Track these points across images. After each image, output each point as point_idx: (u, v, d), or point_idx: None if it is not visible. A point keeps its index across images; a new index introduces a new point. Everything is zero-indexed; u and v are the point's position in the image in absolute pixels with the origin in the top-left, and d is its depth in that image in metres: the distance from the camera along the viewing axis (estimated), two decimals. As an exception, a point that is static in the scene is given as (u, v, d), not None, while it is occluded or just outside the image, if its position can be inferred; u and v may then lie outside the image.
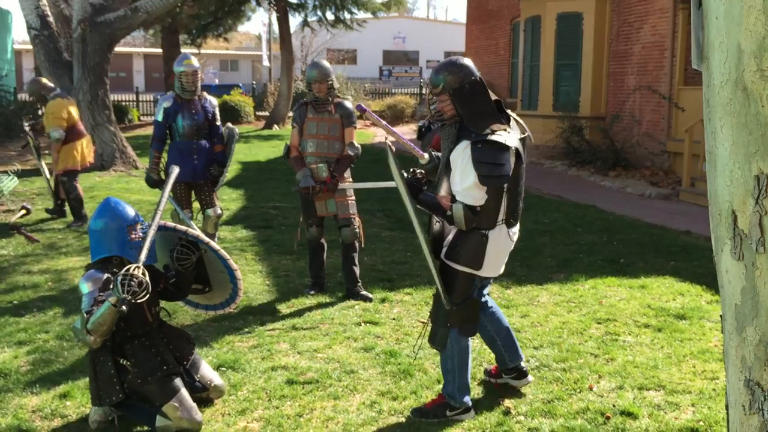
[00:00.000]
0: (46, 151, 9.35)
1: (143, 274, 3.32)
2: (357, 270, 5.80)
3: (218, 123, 6.44)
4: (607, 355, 4.57)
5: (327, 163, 5.59)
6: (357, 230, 5.76)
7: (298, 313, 5.40)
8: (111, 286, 3.36)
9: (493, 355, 4.20)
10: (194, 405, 3.57)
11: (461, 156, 3.45)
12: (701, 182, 10.74)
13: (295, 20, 26.89)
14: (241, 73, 51.76)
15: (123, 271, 3.30)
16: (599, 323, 5.18)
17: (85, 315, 3.38)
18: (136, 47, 51.97)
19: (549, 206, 10.00)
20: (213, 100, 6.39)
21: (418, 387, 4.08)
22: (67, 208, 8.89)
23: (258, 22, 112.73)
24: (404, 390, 4.04)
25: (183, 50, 26.23)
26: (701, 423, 3.63)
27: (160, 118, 6.21)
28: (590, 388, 4.06)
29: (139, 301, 3.30)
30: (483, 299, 3.97)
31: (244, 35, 64.53)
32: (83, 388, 4.06)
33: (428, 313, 3.94)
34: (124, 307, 3.24)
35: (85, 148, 8.64)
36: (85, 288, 3.48)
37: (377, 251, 7.35)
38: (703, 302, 5.65)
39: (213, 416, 3.74)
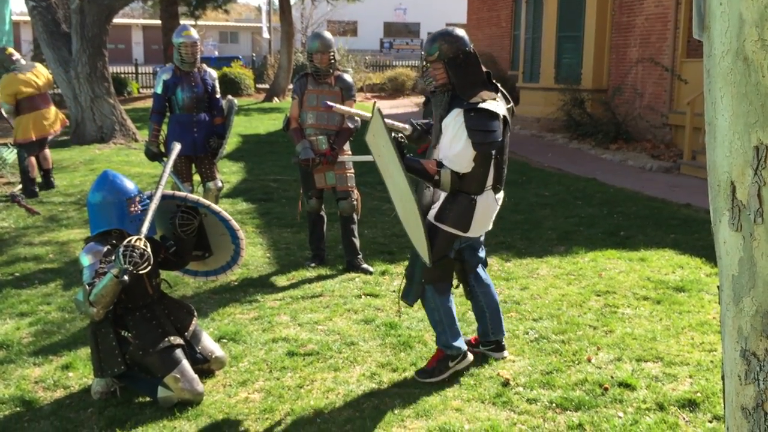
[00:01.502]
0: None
1: (145, 245, 3.34)
2: (357, 242, 5.83)
3: (218, 95, 6.41)
4: (605, 327, 4.59)
5: (326, 136, 5.58)
6: (355, 203, 5.77)
7: (299, 286, 5.42)
8: (113, 258, 3.38)
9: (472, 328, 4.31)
10: (195, 376, 3.60)
11: (453, 123, 3.59)
12: (702, 155, 10.71)
13: (295, -9, 26.59)
14: (241, 45, 51.39)
15: (125, 243, 3.31)
16: (598, 296, 5.20)
17: (87, 287, 3.39)
18: (135, 19, 51.55)
19: (549, 179, 9.99)
20: (213, 73, 6.35)
21: (417, 359, 4.10)
22: (54, 181, 9.07)
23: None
24: (404, 362, 4.07)
25: (182, 22, 26.00)
26: (699, 394, 3.66)
27: (159, 90, 6.17)
28: (589, 360, 4.09)
29: (140, 272, 3.32)
30: (480, 272, 4.09)
31: (243, 6, 63.96)
32: (85, 359, 4.09)
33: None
34: (125, 278, 3.26)
35: (44, 119, 8.65)
36: (86, 260, 3.49)
37: (377, 224, 7.36)
38: (702, 275, 5.67)
39: (214, 387, 3.77)
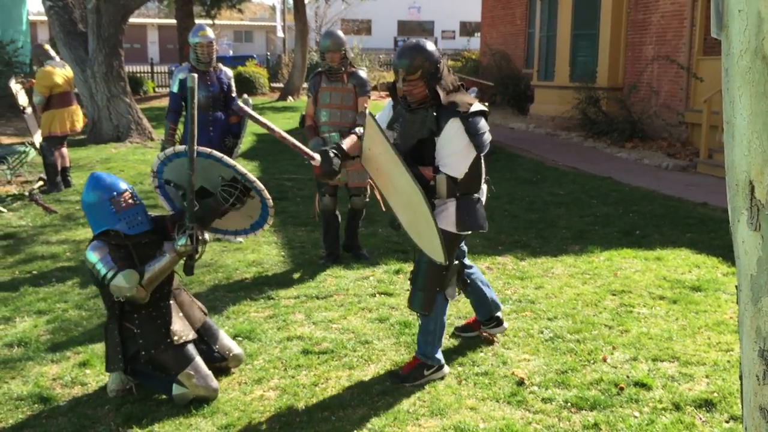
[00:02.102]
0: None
1: (200, 233, 3.60)
2: (358, 232, 6.10)
3: (233, 94, 6.44)
4: (621, 326, 4.57)
5: (340, 133, 5.61)
6: (367, 199, 5.87)
7: (313, 284, 5.44)
8: (176, 237, 3.57)
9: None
10: (209, 373, 3.62)
11: (452, 132, 3.60)
12: (719, 154, 10.62)
13: (309, -10, 26.64)
14: (255, 44, 51.53)
15: (189, 226, 3.56)
16: (614, 295, 5.18)
17: (129, 272, 3.45)
18: (150, 18, 51.83)
19: (564, 178, 9.95)
20: (228, 72, 6.38)
21: (432, 357, 4.10)
22: (68, 178, 9.18)
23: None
24: (418, 360, 4.07)
25: (197, 21, 26.12)
26: (715, 394, 3.63)
27: (175, 89, 6.21)
28: (604, 360, 4.07)
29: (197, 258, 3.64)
30: (464, 261, 4.19)
31: (258, 6, 64.14)
32: (102, 357, 4.11)
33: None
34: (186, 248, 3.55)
35: (71, 117, 8.92)
36: (94, 257, 3.52)
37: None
38: (719, 274, 5.63)
39: (230, 385, 3.79)
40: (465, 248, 4.21)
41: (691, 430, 3.33)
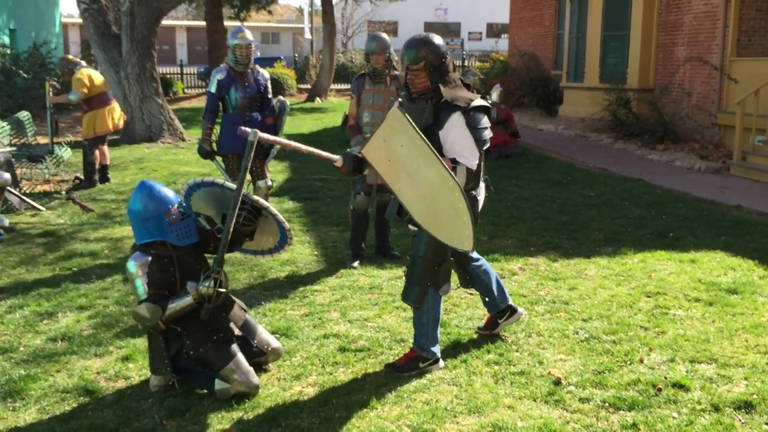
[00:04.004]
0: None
1: (225, 278, 3.65)
2: (389, 230, 6.19)
3: (270, 96, 6.52)
4: (657, 328, 4.56)
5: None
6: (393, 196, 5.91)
7: (347, 283, 5.49)
8: (199, 287, 3.60)
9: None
10: (251, 369, 3.68)
11: (455, 125, 3.75)
12: (753, 156, 10.51)
13: (337, -8, 26.78)
14: (282, 46, 51.87)
15: (211, 276, 3.61)
16: (649, 297, 5.16)
17: (154, 306, 3.53)
18: (179, 20, 52.41)
19: (595, 180, 9.91)
20: (265, 73, 6.45)
21: (468, 356, 4.13)
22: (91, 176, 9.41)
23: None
24: (455, 359, 4.10)
25: (226, 23, 26.36)
26: (755, 396, 3.62)
27: (213, 89, 6.30)
28: (641, 361, 4.07)
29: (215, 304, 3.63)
30: (470, 255, 4.20)
31: (284, 8, 64.55)
32: (144, 351, 4.20)
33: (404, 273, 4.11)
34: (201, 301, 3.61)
35: (111, 115, 9.27)
36: (134, 269, 3.60)
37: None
38: (755, 277, 5.58)
39: (269, 381, 3.85)
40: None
41: (731, 431, 3.32)
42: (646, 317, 4.75)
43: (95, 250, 6.41)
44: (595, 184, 9.55)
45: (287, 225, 3.98)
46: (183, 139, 13.73)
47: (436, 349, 3.98)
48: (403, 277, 5.55)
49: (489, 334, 4.42)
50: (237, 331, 3.81)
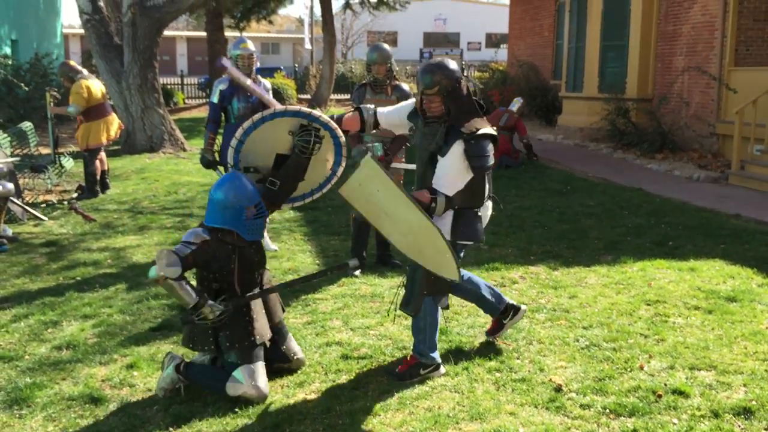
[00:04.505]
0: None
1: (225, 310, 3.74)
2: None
3: (271, 106, 6.57)
4: (657, 335, 4.60)
5: (382, 143, 5.74)
6: None
7: (349, 292, 5.52)
8: (207, 305, 3.67)
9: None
10: (265, 379, 3.75)
11: (455, 155, 3.82)
12: (751, 165, 10.57)
13: (337, 2, 26.96)
14: (282, 56, 52.05)
15: (222, 308, 3.71)
16: (648, 305, 5.20)
17: (174, 256, 3.57)
18: (179, 31, 52.59)
19: (594, 189, 9.96)
20: (267, 83, 6.51)
21: (469, 363, 4.17)
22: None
23: (298, 5, 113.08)
24: (456, 366, 4.14)
25: (227, 34, 26.51)
26: (754, 402, 3.65)
27: (215, 99, 6.37)
28: (641, 368, 4.11)
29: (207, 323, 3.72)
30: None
31: (284, 18, 64.79)
32: (148, 359, 4.25)
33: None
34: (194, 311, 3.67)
35: (107, 127, 9.33)
36: (188, 236, 3.69)
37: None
38: (754, 285, 5.63)
39: (273, 388, 3.88)
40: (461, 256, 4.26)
41: (731, 437, 3.36)
42: (646, 325, 4.79)
43: (98, 259, 6.45)
44: (595, 193, 9.60)
45: (342, 139, 4.18)
46: (184, 150, 13.79)
47: (436, 355, 4.05)
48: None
49: (497, 337, 4.49)
50: (268, 336, 3.90)
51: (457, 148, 3.82)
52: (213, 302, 3.70)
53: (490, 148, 3.87)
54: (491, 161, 3.92)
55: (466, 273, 4.39)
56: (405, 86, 6.04)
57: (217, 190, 3.81)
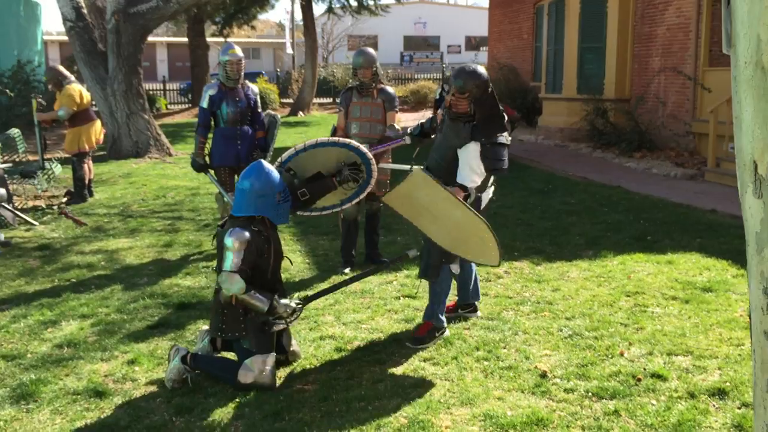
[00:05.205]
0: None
1: (299, 309, 4.15)
2: (377, 238, 6.46)
3: (260, 110, 6.74)
4: (636, 324, 4.81)
5: (369, 144, 5.91)
6: (383, 205, 6.19)
7: (340, 289, 5.68)
8: (280, 307, 4.00)
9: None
10: (274, 368, 3.94)
11: (471, 152, 4.36)
12: (726, 162, 10.86)
13: (318, 7, 27.11)
14: (263, 61, 52.06)
15: (294, 305, 4.10)
16: (628, 296, 5.42)
17: (240, 281, 3.80)
18: (159, 36, 52.44)
19: (575, 187, 10.20)
20: (255, 88, 6.67)
21: (458, 353, 4.35)
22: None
23: (279, 10, 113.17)
24: (446, 356, 4.32)
25: (208, 39, 26.57)
26: (728, 384, 3.87)
27: (205, 104, 6.51)
28: (621, 354, 4.31)
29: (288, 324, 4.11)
30: None
31: (264, 23, 64.80)
32: (148, 355, 4.39)
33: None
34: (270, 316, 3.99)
35: (95, 131, 9.49)
36: (232, 244, 3.84)
37: (409, 232, 7.60)
38: (728, 276, 5.86)
39: (270, 379, 4.04)
40: None
41: (706, 415, 3.56)
42: (626, 315, 5.00)
43: (92, 262, 6.57)
44: (575, 192, 9.84)
45: (369, 154, 4.61)
46: (170, 154, 13.88)
47: (444, 319, 4.61)
48: (393, 282, 5.81)
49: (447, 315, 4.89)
50: (281, 327, 4.12)
51: (474, 148, 4.34)
52: (286, 301, 4.01)
53: (505, 153, 4.40)
54: (505, 165, 4.42)
55: (473, 265, 4.90)
56: (390, 89, 6.23)
57: (245, 179, 4.02)
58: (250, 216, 3.99)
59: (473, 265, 4.93)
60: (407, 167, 6.61)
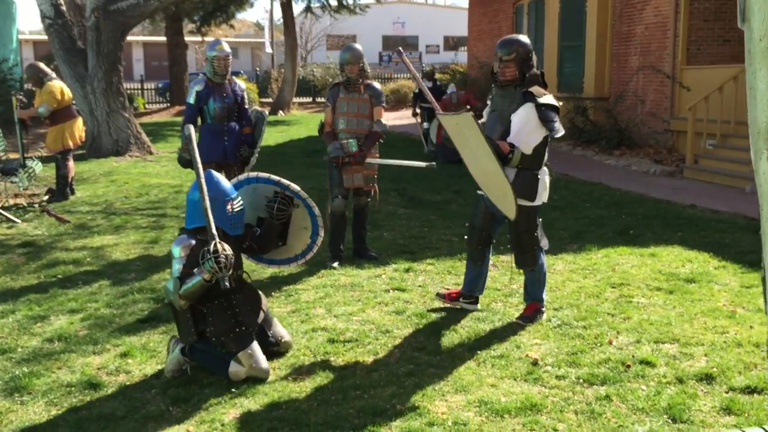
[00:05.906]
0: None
1: (228, 250, 3.78)
2: (365, 233, 6.50)
3: (246, 106, 6.74)
4: (623, 314, 4.89)
5: (356, 139, 5.97)
6: (370, 200, 6.23)
7: (329, 282, 5.72)
8: (201, 261, 3.75)
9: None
10: (263, 356, 3.95)
11: (525, 115, 4.52)
12: (704, 159, 11.05)
13: (298, 6, 27.06)
14: (241, 60, 51.77)
15: (212, 249, 3.72)
16: (613, 287, 5.51)
17: (176, 280, 3.79)
18: (136, 36, 51.97)
19: (557, 184, 10.24)
20: (242, 84, 6.67)
21: (450, 343, 4.41)
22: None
23: (257, 9, 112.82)
24: (438, 346, 4.37)
25: (186, 39, 26.42)
26: (714, 369, 3.95)
27: (192, 100, 6.49)
28: (610, 342, 4.39)
29: (225, 275, 3.77)
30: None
31: (241, 22, 64.49)
32: (141, 348, 4.39)
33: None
34: (212, 280, 3.77)
35: (77, 128, 9.47)
36: (177, 252, 3.86)
37: (396, 227, 7.67)
38: (710, 268, 5.98)
39: (265, 370, 4.06)
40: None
41: (694, 399, 3.64)
42: (613, 305, 5.09)
43: (77, 258, 6.53)
44: (558, 188, 9.92)
45: (317, 210, 4.50)
46: (151, 153, 13.80)
47: (544, 298, 4.88)
48: (382, 276, 5.85)
49: (445, 302, 5.07)
50: (256, 324, 4.09)
51: (530, 109, 4.47)
52: (204, 263, 3.74)
53: (556, 116, 4.55)
54: (559, 125, 4.55)
55: (490, 255, 5.09)
56: (377, 84, 6.29)
57: (195, 191, 3.95)
58: (199, 227, 3.93)
59: (490, 258, 5.07)
60: (392, 162, 6.69)
